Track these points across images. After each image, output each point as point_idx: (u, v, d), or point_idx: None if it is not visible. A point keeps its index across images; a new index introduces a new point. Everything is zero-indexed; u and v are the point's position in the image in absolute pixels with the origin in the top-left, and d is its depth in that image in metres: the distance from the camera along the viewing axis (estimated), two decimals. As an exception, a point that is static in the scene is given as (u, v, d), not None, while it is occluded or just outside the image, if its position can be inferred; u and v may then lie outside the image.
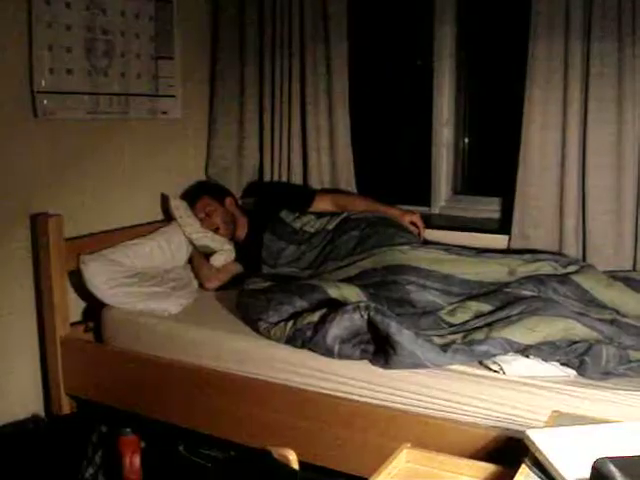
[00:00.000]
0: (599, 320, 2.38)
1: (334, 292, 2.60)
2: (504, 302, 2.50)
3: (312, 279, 2.89)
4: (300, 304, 2.58)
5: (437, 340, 2.32)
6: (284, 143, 3.52)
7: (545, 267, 2.72)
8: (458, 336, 2.35)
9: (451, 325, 2.48)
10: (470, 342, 2.26)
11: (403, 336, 2.20)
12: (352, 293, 2.60)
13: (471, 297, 2.64)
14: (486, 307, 2.52)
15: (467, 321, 2.47)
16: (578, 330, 2.28)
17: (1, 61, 2.70)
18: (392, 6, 3.62)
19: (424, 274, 2.72)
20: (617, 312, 2.52)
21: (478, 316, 2.48)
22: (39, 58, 2.78)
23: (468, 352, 2.22)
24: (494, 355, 2.23)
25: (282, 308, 2.57)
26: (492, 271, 2.73)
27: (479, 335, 2.29)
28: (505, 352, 2.23)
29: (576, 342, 2.24)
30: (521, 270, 2.71)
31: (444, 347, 2.25)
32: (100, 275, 2.85)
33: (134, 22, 3.17)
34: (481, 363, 2.25)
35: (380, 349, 2.30)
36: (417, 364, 2.22)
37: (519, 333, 2.24)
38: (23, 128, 2.79)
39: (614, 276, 2.68)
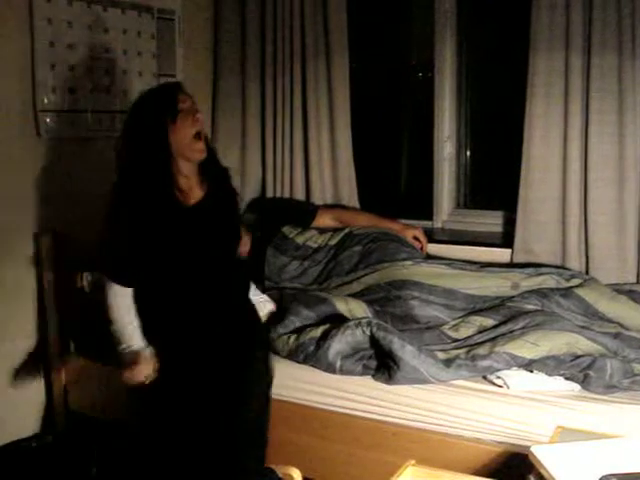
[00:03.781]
0: (603, 333, 2.37)
1: (342, 306, 2.60)
2: (507, 316, 2.50)
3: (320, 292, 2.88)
4: (306, 314, 2.58)
5: (440, 355, 2.32)
6: (286, 159, 3.52)
7: (548, 281, 2.71)
8: (462, 351, 2.35)
9: (455, 340, 2.48)
10: (473, 357, 2.25)
11: (406, 352, 2.20)
12: (359, 309, 2.60)
13: (474, 312, 2.63)
14: (489, 322, 2.51)
15: (471, 336, 2.47)
16: (582, 344, 2.27)
17: (4, 80, 2.71)
18: (392, 19, 3.63)
19: (427, 289, 2.71)
20: (621, 325, 2.51)
21: (481, 331, 2.47)
22: (42, 77, 2.80)
23: (471, 367, 2.22)
24: (498, 370, 2.22)
25: (288, 318, 2.56)
26: (495, 285, 2.72)
27: (482, 350, 2.28)
28: (509, 367, 2.22)
29: (580, 356, 2.23)
30: (524, 284, 2.71)
31: (447, 362, 2.25)
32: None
33: (136, 40, 3.18)
34: (485, 378, 2.25)
35: (383, 365, 2.29)
36: (420, 379, 2.21)
37: (523, 348, 2.24)
38: (26, 147, 2.80)
39: (617, 289, 2.68)
